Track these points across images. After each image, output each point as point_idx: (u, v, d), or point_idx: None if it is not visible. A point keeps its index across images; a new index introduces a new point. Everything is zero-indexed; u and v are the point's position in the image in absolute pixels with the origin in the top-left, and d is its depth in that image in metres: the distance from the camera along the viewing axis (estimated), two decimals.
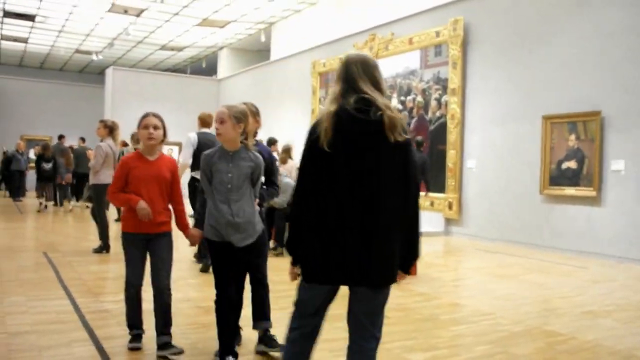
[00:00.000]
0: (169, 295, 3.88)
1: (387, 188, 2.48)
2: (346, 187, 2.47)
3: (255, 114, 4.09)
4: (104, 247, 8.09)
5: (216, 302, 3.63)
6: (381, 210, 2.47)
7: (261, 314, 3.97)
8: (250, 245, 3.65)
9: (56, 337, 4.12)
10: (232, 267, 3.64)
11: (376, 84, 2.54)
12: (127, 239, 3.87)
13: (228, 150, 3.62)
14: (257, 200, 3.81)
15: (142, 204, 3.76)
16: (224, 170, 3.57)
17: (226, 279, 3.62)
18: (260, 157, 3.70)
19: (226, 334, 3.61)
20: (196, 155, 6.87)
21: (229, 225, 3.53)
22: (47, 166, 14.82)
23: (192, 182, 7.15)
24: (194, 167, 7.03)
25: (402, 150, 2.48)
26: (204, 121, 7.76)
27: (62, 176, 15.21)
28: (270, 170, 4.18)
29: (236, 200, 3.56)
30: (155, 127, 3.84)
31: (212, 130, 7.50)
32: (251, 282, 3.93)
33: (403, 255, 2.57)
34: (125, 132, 11.31)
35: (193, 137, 7.33)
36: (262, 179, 3.87)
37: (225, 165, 3.58)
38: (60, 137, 17.50)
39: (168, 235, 3.92)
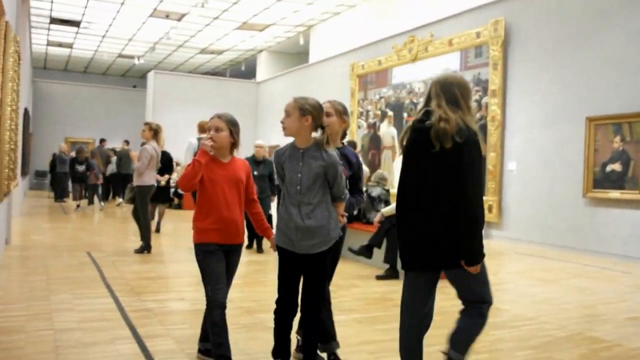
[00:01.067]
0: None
1: (437, 188, 2.90)
2: (409, 186, 3.02)
3: (341, 112, 3.69)
4: (146, 248, 8.26)
5: (277, 305, 3.43)
6: (430, 207, 2.91)
7: (326, 335, 3.70)
8: (324, 254, 3.33)
9: (101, 335, 4.22)
10: (299, 277, 3.39)
11: (453, 98, 2.96)
12: (205, 250, 3.47)
13: (298, 148, 3.33)
14: (339, 206, 3.44)
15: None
16: (293, 169, 3.30)
17: (290, 289, 3.38)
18: (335, 156, 3.30)
19: (281, 338, 3.45)
20: None
21: (298, 229, 3.26)
22: (81, 168, 15.81)
23: None
24: None
25: (452, 154, 2.84)
26: (202, 128, 9.18)
27: (97, 175, 16.16)
28: (358, 177, 3.79)
29: (308, 202, 3.26)
30: (217, 129, 3.50)
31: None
32: None
33: (461, 248, 2.90)
34: (167, 134, 11.51)
35: (194, 141, 8.87)
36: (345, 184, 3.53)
37: (295, 164, 3.31)
38: (102, 141, 18.14)
39: (241, 247, 3.68)
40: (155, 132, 8.44)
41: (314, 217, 3.25)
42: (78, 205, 15.40)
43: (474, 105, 11.78)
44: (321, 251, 3.30)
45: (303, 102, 3.27)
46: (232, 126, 3.55)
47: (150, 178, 8.28)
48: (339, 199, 3.39)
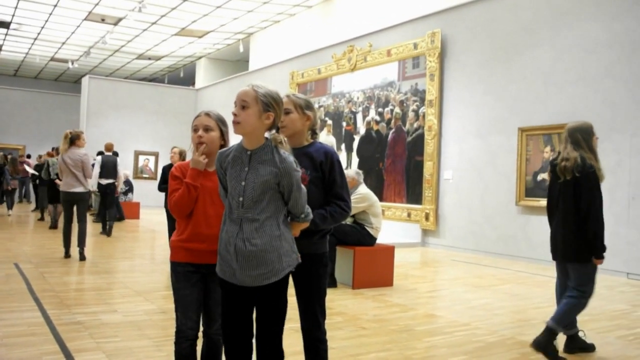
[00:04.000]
0: (220, 340, 2.97)
1: (565, 205, 4.22)
2: (550, 204, 4.43)
3: (303, 107, 3.00)
4: (65, 254, 8.44)
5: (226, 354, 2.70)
6: (562, 218, 4.25)
7: None
8: (276, 287, 2.59)
9: (27, 350, 4.03)
10: (249, 317, 2.67)
11: (576, 141, 4.23)
12: (177, 272, 2.95)
13: (246, 149, 2.59)
14: (297, 228, 2.71)
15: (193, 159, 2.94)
16: (237, 176, 2.57)
17: (238, 333, 2.65)
18: (290, 160, 2.56)
19: None
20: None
21: (239, 254, 2.52)
22: None
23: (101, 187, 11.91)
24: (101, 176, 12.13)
25: (572, 184, 4.17)
26: (107, 148, 12.77)
27: (8, 182, 16.50)
28: (332, 180, 2.96)
29: (252, 218, 2.53)
30: (207, 129, 2.95)
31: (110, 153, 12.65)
32: (258, 340, 2.68)
33: (587, 247, 4.18)
34: (102, 140, 11.30)
35: (99, 159, 12.32)
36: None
37: (239, 169, 2.58)
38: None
39: None
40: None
41: (260, 237, 2.52)
42: None
43: (411, 115, 12.04)
44: (271, 283, 2.56)
45: (265, 93, 2.57)
46: (223, 125, 3.02)
47: (64, 185, 8.47)
48: (297, 218, 2.67)
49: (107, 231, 11.73)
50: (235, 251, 2.53)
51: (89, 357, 3.93)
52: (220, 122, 3.02)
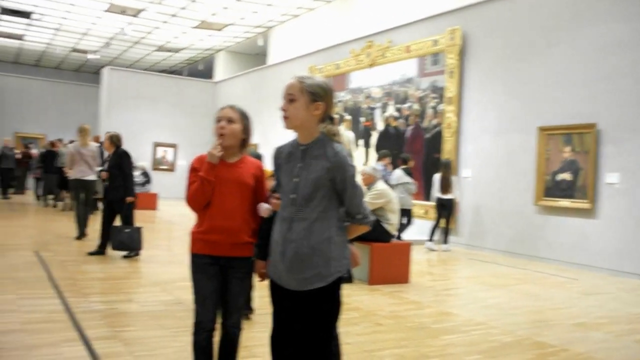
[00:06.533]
0: (237, 332, 3.02)
1: None
2: None
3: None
4: (79, 235, 9.26)
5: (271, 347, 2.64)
6: None
7: None
8: (322, 293, 2.45)
9: (45, 337, 4.09)
10: (294, 319, 2.52)
11: None
12: (196, 264, 2.96)
13: (300, 143, 2.51)
14: (356, 231, 2.56)
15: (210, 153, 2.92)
16: (290, 172, 2.49)
17: (285, 335, 2.56)
18: (343, 154, 2.43)
19: None
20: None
21: (286, 255, 2.44)
22: None
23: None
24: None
25: None
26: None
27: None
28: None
29: (302, 218, 2.42)
30: (230, 120, 2.93)
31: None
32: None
33: None
34: (121, 132, 11.34)
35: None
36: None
37: (293, 165, 2.50)
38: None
39: (248, 262, 2.97)
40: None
41: (308, 237, 2.41)
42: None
43: (430, 112, 11.97)
44: (316, 288, 2.43)
45: (312, 83, 2.46)
46: (246, 119, 3.01)
47: (75, 172, 9.30)
48: (353, 220, 2.50)
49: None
50: (282, 252, 2.45)
51: (107, 345, 3.97)
52: (244, 116, 3.01)
